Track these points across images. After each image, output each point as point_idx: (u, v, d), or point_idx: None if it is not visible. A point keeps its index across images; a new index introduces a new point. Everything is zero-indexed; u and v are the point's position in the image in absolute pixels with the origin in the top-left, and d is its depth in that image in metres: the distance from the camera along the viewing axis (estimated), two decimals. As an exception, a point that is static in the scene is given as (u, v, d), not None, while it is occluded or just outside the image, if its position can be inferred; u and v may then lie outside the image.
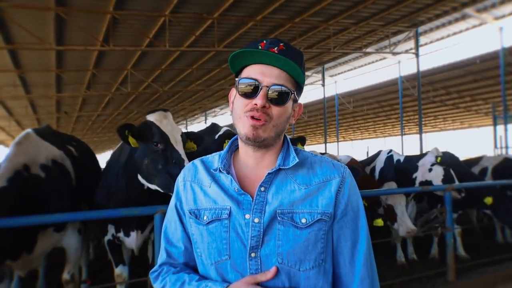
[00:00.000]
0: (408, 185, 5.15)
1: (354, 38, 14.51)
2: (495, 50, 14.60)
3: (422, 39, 15.42)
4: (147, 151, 2.67)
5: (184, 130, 2.97)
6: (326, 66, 19.64)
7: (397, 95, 18.58)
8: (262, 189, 1.09)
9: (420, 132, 15.44)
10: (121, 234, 3.11)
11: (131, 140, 2.65)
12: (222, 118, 31.48)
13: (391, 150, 5.95)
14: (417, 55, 14.87)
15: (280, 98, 1.06)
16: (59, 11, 9.51)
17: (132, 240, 3.09)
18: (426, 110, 24.52)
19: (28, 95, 17.95)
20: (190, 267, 1.19)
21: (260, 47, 1.06)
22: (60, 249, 3.10)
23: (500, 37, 14.06)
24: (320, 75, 20.42)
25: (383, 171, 5.66)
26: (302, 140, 3.59)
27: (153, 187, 2.74)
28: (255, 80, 1.05)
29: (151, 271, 1.22)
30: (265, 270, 1.05)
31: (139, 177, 2.79)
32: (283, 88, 1.06)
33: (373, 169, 5.90)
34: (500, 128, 14.00)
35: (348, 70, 20.90)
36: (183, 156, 2.63)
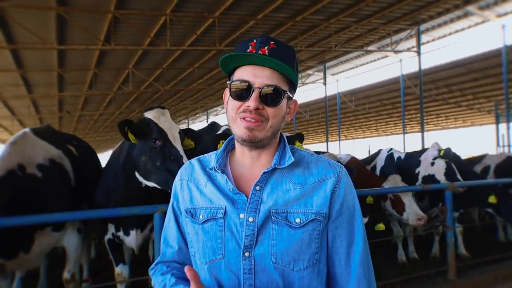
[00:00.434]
0: (411, 181, 5.15)
1: (355, 37, 14.46)
2: (497, 48, 14.54)
3: (424, 37, 15.34)
4: (145, 148, 2.67)
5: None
6: (327, 64, 19.54)
7: (399, 93, 18.53)
8: (257, 188, 1.08)
9: (422, 131, 15.41)
10: (121, 233, 3.11)
11: (131, 136, 2.65)
12: (223, 117, 31.35)
13: (391, 149, 5.96)
14: (419, 53, 14.80)
15: (273, 99, 1.05)
16: (60, 10, 9.52)
17: (131, 239, 3.10)
18: (428, 109, 24.47)
19: (30, 95, 17.97)
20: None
21: (250, 47, 1.04)
22: (61, 248, 3.11)
23: (502, 34, 13.97)
24: (321, 74, 20.32)
25: (384, 170, 5.67)
26: (300, 138, 3.51)
27: (151, 184, 2.73)
28: (247, 81, 1.04)
29: (150, 268, 1.24)
30: (258, 269, 1.04)
31: (137, 174, 2.79)
32: (276, 89, 1.05)
33: (374, 168, 5.91)
34: (503, 126, 13.94)
35: (350, 69, 20.81)
36: (182, 152, 2.62)
